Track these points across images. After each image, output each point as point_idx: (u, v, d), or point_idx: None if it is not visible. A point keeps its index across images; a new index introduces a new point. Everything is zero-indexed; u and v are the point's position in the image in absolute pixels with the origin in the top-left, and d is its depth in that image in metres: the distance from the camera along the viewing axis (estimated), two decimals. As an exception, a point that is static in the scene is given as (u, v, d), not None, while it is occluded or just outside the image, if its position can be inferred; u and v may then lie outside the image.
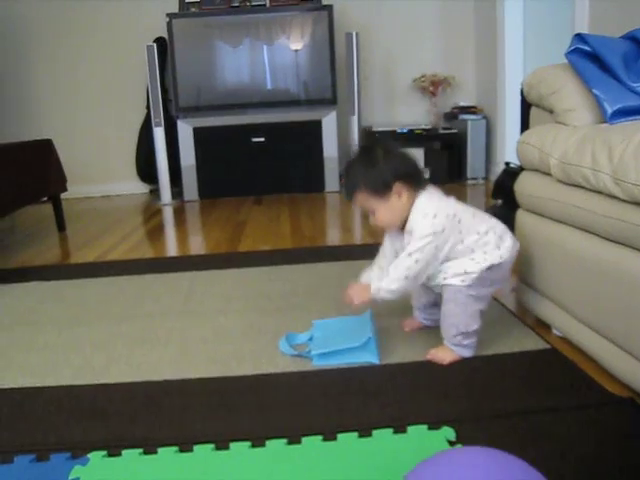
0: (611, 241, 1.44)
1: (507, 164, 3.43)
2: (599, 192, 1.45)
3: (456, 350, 1.63)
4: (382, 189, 1.58)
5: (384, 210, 1.60)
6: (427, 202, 1.58)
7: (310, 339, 1.78)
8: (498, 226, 1.63)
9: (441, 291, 1.64)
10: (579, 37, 1.76)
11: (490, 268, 1.58)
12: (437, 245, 1.55)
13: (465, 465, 0.84)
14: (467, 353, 1.63)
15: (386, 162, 1.59)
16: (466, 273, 1.57)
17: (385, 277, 1.59)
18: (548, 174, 1.71)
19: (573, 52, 1.75)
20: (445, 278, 1.60)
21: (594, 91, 1.66)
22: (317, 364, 1.65)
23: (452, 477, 0.83)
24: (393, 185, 1.57)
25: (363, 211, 1.67)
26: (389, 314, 1.93)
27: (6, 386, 1.64)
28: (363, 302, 1.64)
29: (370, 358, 1.65)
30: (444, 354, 1.63)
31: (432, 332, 1.77)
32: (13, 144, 3.54)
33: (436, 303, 1.75)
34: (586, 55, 1.73)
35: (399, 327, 1.86)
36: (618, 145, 1.39)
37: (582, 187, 1.53)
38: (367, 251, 2.82)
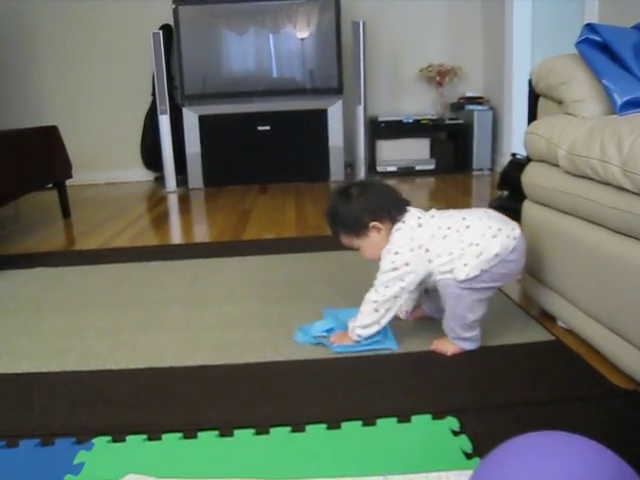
0: (619, 233, 1.43)
1: (513, 155, 3.42)
2: (607, 184, 1.44)
3: (457, 343, 1.62)
4: (360, 229, 1.64)
5: (367, 246, 1.66)
6: (396, 237, 1.61)
7: (329, 330, 1.74)
8: (484, 234, 1.54)
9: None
10: (589, 27, 1.74)
11: (474, 277, 1.53)
12: (402, 278, 1.58)
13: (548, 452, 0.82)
14: (469, 346, 1.62)
15: (360, 201, 1.64)
16: (452, 272, 1.55)
17: (358, 315, 1.64)
18: (556, 165, 1.70)
19: (583, 42, 1.74)
20: (436, 275, 1.59)
21: (604, 82, 1.65)
22: (337, 351, 1.66)
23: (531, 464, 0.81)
24: (369, 223, 1.62)
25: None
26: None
27: (11, 371, 1.64)
28: (346, 343, 1.68)
29: (390, 345, 1.67)
30: (446, 346, 1.63)
31: (438, 323, 1.76)
32: (18, 130, 3.54)
33: None
34: (596, 45, 1.72)
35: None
36: (628, 136, 1.38)
37: (590, 178, 1.52)
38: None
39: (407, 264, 1.58)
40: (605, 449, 0.83)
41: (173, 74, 5.05)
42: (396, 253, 1.59)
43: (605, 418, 1.29)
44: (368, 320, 1.62)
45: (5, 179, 3.09)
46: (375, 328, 1.63)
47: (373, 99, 5.14)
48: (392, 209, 1.63)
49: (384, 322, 1.63)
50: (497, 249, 1.52)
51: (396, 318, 1.83)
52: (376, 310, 1.61)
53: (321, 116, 4.77)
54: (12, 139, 3.31)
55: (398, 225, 1.62)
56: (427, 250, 1.58)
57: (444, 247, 1.56)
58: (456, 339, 1.62)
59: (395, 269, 1.58)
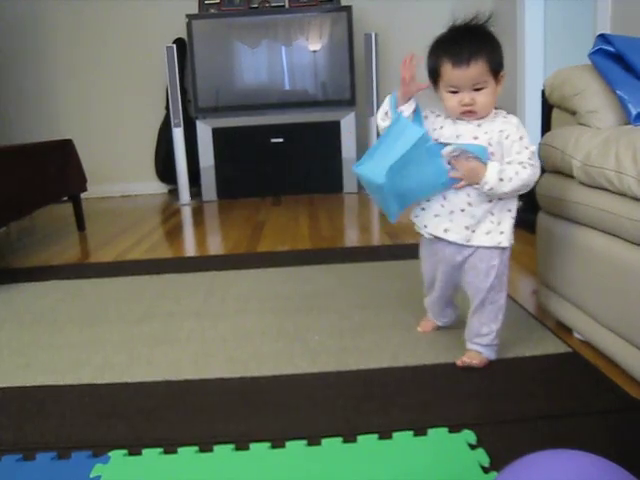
0: (635, 244, 1.42)
1: (527, 166, 3.41)
2: (623, 194, 1.44)
3: (485, 352, 1.60)
4: (498, 69, 1.46)
5: (490, 92, 1.46)
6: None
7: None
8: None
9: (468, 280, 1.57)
10: (603, 37, 1.74)
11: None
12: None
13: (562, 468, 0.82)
14: (494, 355, 1.61)
15: (499, 46, 1.48)
16: (502, 234, 1.51)
17: (507, 182, 1.42)
18: (570, 176, 1.70)
19: (596, 53, 1.73)
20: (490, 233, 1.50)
21: (618, 92, 1.64)
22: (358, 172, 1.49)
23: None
24: (501, 71, 1.48)
25: (461, 89, 1.45)
26: (407, 315, 1.93)
27: (27, 384, 1.65)
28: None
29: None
30: (479, 358, 1.59)
31: (452, 333, 1.76)
32: (34, 144, 3.58)
33: (449, 303, 1.75)
34: (610, 56, 1.71)
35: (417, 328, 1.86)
36: (643, 147, 1.37)
37: (606, 189, 1.51)
38: (386, 252, 2.84)
39: None
40: (622, 470, 0.82)
41: (186, 87, 5.09)
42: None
43: (624, 431, 1.27)
44: (509, 189, 1.43)
45: (21, 192, 3.12)
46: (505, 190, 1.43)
47: (386, 110, 5.14)
48: None
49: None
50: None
51: (408, 331, 1.83)
52: (521, 187, 1.44)
53: (334, 128, 4.78)
54: (28, 153, 3.34)
55: None
56: None
57: None
58: (488, 347, 1.59)
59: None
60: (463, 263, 1.56)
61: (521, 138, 1.46)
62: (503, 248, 1.52)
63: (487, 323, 1.58)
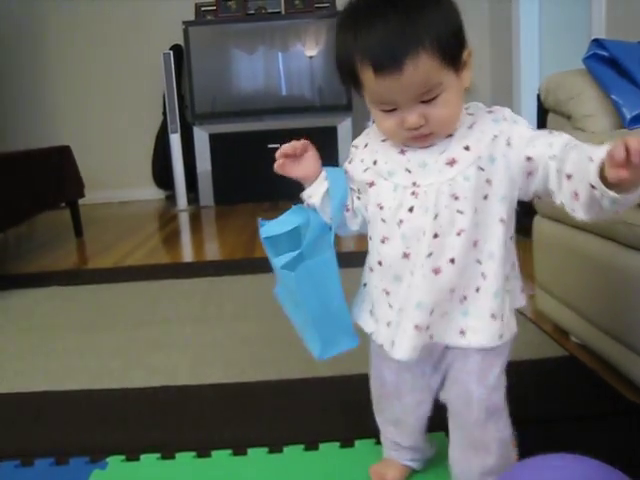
0: (632, 248, 1.42)
1: (523, 170, 3.42)
2: (618, 198, 1.44)
3: None
4: (457, 51, 0.86)
5: (453, 92, 0.86)
6: None
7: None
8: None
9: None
10: (597, 42, 1.75)
11: None
12: None
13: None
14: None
15: (452, 9, 0.87)
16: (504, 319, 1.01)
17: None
18: (566, 180, 1.70)
19: (591, 57, 1.74)
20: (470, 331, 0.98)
21: (612, 96, 1.65)
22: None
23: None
24: (465, 49, 0.87)
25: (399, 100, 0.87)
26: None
27: (25, 390, 1.65)
28: None
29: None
30: None
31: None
32: (32, 150, 3.58)
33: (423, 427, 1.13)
34: (604, 60, 1.73)
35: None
36: (638, 151, 1.37)
37: (601, 193, 1.52)
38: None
39: None
40: (619, 473, 0.82)
41: (184, 93, 5.10)
42: None
43: (622, 435, 1.28)
44: None
45: (19, 199, 3.12)
46: None
47: (382, 115, 5.15)
48: None
49: None
50: None
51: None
52: None
53: (330, 133, 4.79)
54: (25, 159, 3.34)
55: None
56: None
57: None
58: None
59: None
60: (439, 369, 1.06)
61: (532, 129, 0.92)
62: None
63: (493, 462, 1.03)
